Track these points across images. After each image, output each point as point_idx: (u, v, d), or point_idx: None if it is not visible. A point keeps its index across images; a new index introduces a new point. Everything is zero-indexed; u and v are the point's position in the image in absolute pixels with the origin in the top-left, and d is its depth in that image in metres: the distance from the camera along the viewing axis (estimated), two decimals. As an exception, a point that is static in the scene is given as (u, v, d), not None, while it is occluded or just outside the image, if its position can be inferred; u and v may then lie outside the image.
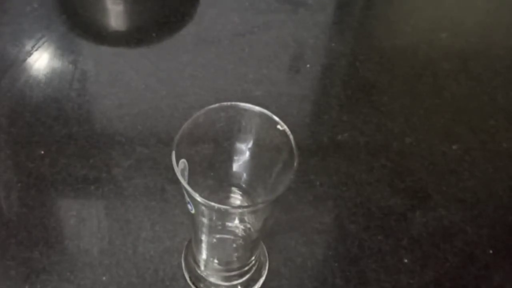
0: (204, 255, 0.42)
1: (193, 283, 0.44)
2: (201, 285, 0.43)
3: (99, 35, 0.66)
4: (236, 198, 0.40)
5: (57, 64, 0.61)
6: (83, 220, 0.48)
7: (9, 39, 0.63)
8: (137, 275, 0.44)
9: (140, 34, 0.67)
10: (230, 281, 0.43)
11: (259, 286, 0.44)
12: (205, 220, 0.36)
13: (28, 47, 0.62)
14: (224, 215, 0.37)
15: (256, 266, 0.44)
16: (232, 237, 0.41)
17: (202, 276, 0.43)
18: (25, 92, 0.58)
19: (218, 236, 0.41)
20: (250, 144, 0.37)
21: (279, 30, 0.70)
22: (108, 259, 0.45)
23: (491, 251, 0.48)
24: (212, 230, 0.39)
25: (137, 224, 0.47)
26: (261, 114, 0.35)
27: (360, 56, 0.69)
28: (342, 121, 0.59)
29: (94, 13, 0.70)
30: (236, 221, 0.39)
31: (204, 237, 0.39)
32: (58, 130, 0.54)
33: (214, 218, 0.36)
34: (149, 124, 0.55)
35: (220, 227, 0.39)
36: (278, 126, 0.35)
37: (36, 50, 0.62)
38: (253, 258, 0.42)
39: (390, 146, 0.56)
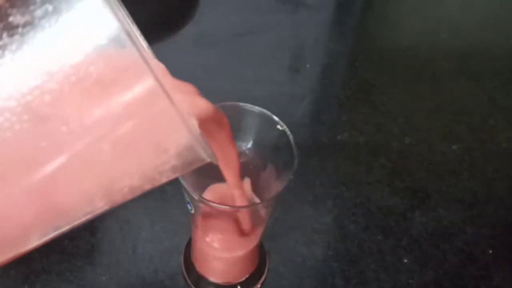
0: (203, 254, 0.42)
1: (193, 283, 0.44)
2: (201, 285, 0.44)
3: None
4: (236, 198, 0.40)
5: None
6: (83, 220, 0.48)
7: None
8: (137, 275, 0.44)
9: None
10: (230, 281, 0.43)
11: (259, 286, 0.44)
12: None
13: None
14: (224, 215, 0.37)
15: (256, 266, 0.44)
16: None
17: (201, 276, 0.43)
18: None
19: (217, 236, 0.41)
20: (250, 144, 0.37)
21: (279, 30, 0.70)
22: (108, 259, 0.45)
23: (490, 251, 0.48)
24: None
25: (137, 224, 0.47)
26: (261, 114, 0.35)
27: (360, 56, 0.69)
28: (342, 121, 0.59)
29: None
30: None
31: (203, 237, 0.39)
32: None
33: (213, 218, 0.36)
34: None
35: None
36: (278, 126, 0.35)
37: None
38: (253, 258, 0.42)
39: (390, 146, 0.56)
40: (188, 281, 0.44)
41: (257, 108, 0.35)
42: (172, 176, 0.21)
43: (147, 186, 0.20)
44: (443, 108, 0.61)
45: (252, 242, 0.38)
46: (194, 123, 0.21)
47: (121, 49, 0.17)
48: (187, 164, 0.20)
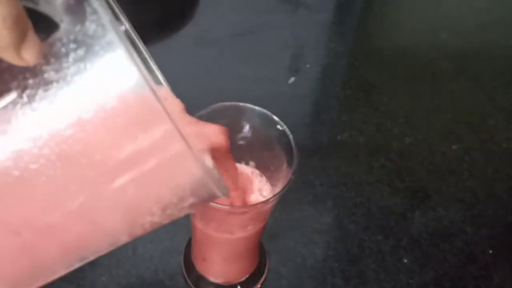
0: (203, 255, 0.42)
1: (193, 283, 0.44)
2: (201, 285, 0.44)
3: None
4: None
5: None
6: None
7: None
8: (136, 275, 0.44)
9: (140, 34, 0.66)
10: (230, 280, 0.43)
11: (259, 286, 0.44)
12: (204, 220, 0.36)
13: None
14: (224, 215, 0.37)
15: (256, 266, 0.44)
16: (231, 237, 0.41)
17: (201, 276, 0.43)
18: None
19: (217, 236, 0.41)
20: (250, 144, 0.37)
21: (279, 30, 0.70)
22: (108, 259, 0.45)
23: (490, 251, 0.48)
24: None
25: (137, 224, 0.47)
26: (261, 114, 0.35)
27: (360, 56, 0.69)
28: (342, 121, 0.59)
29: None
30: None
31: (203, 237, 0.39)
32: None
33: (213, 218, 0.36)
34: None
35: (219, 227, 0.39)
36: (278, 126, 0.35)
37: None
38: (253, 257, 0.42)
39: (390, 146, 0.56)
40: (188, 281, 0.44)
41: (257, 108, 0.35)
42: (189, 211, 0.23)
43: (166, 221, 0.22)
44: (443, 108, 0.61)
45: (251, 229, 0.38)
46: (210, 163, 0.23)
47: (144, 101, 0.19)
48: (204, 200, 0.22)
